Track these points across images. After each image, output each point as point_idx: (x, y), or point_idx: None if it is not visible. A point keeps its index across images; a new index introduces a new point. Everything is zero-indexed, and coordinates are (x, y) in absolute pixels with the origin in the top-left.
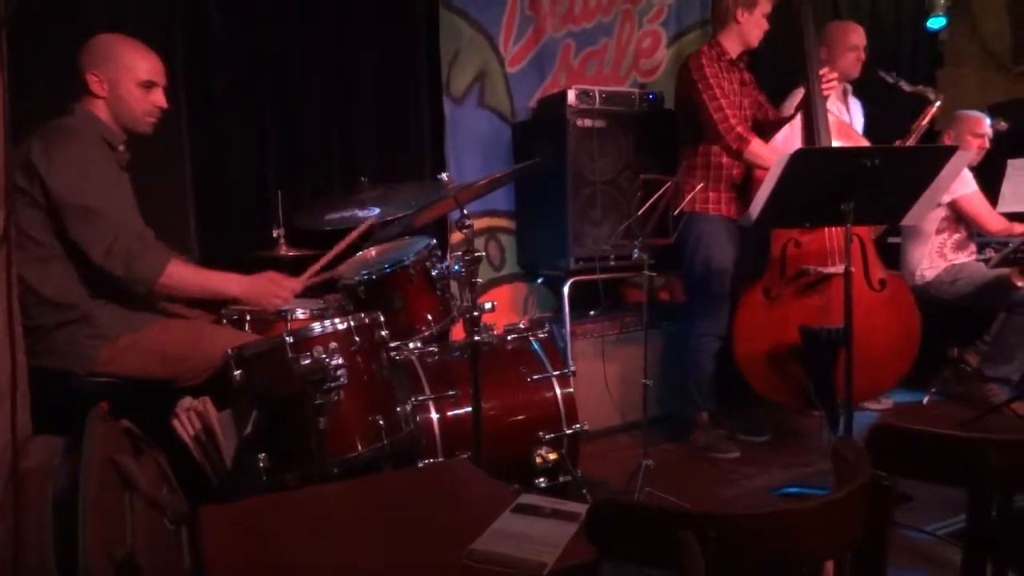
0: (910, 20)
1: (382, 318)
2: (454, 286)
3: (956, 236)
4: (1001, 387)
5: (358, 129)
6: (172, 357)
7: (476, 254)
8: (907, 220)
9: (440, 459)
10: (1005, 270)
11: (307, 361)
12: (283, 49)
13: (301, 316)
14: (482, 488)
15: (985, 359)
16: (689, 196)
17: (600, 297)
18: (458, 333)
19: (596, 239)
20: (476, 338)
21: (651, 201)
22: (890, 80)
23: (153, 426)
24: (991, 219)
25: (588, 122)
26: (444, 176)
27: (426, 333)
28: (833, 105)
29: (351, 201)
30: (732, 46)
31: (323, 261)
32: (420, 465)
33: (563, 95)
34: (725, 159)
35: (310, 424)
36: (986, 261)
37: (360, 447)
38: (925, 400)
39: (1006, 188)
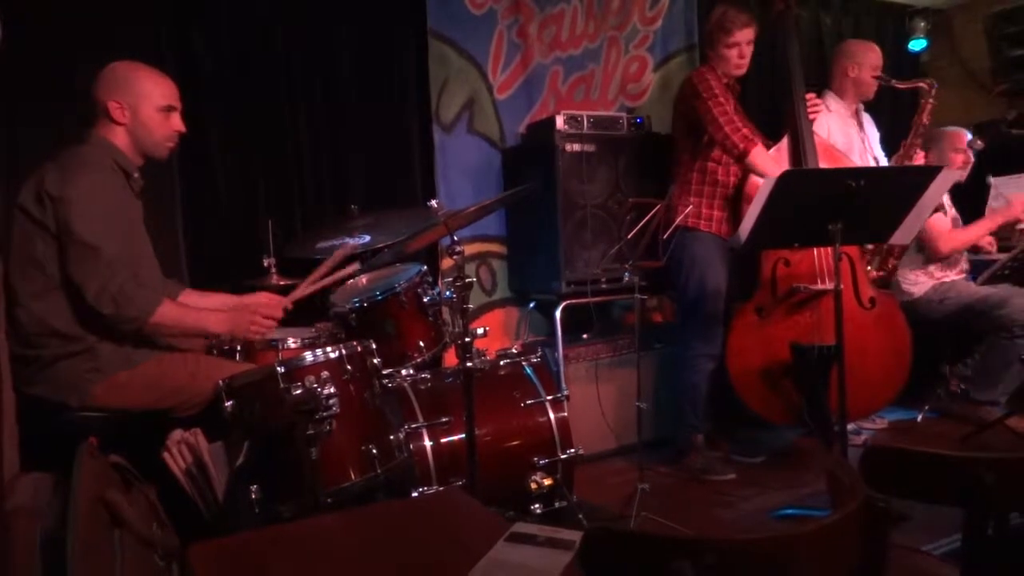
0: (892, 42)
1: (374, 346)
2: (446, 312)
3: None
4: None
5: (348, 157)
6: (167, 390)
7: (467, 280)
8: (895, 239)
9: (434, 487)
10: (993, 288)
11: (299, 391)
12: (272, 77)
13: (292, 345)
14: (476, 517)
15: (969, 384)
16: (682, 214)
17: (592, 320)
18: (451, 359)
19: (587, 262)
20: (469, 364)
21: (641, 224)
22: (882, 82)
23: (144, 459)
24: (942, 240)
25: (577, 146)
26: (434, 203)
27: (418, 360)
28: (850, 127)
29: (342, 229)
30: (722, 72)
31: (305, 287)
32: (414, 494)
33: (552, 120)
34: (721, 175)
35: (302, 455)
36: (975, 279)
37: (353, 477)
38: (919, 418)
39: (994, 205)
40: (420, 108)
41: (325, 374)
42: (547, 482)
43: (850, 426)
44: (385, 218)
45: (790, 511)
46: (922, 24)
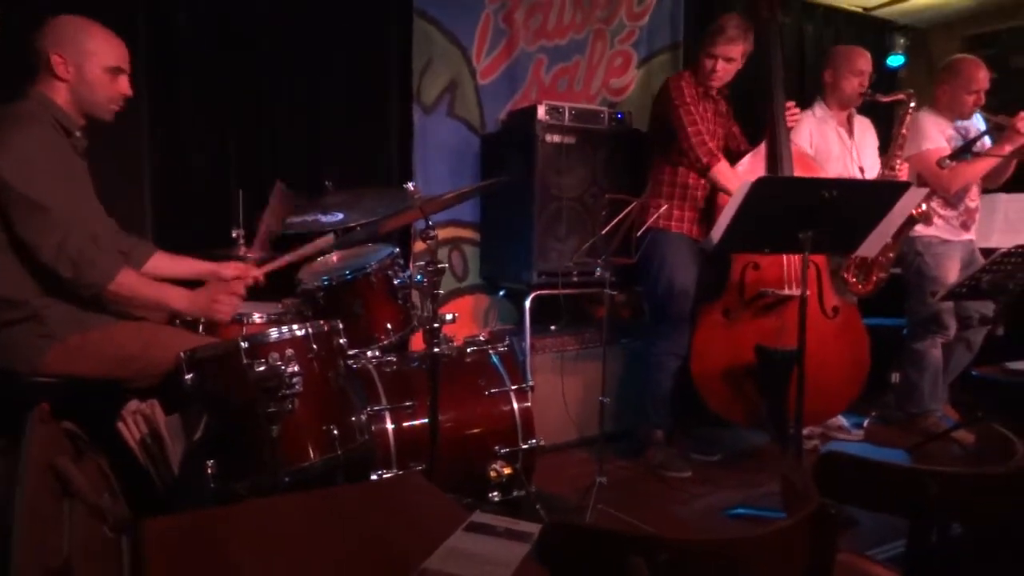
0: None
1: (341, 326)
2: (415, 296)
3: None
4: (940, 417)
5: (325, 132)
6: (123, 358)
7: (439, 266)
8: (861, 251)
9: (394, 470)
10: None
11: (262, 368)
12: (251, 46)
13: (258, 320)
14: (435, 505)
15: (900, 401)
16: (655, 215)
17: (561, 312)
18: (418, 343)
19: (560, 254)
20: (436, 350)
21: (616, 220)
22: (866, 97)
23: (98, 429)
24: (944, 178)
25: (557, 138)
26: (410, 186)
27: (385, 342)
28: (832, 132)
29: (315, 205)
30: (698, 80)
31: (272, 267)
32: (374, 477)
33: (533, 110)
34: (692, 179)
35: (262, 432)
36: (933, 294)
37: (313, 457)
38: (866, 424)
39: (990, 222)
40: (401, 87)
41: (290, 352)
42: (507, 471)
43: (818, 430)
44: (360, 197)
45: (742, 511)
46: (901, 40)
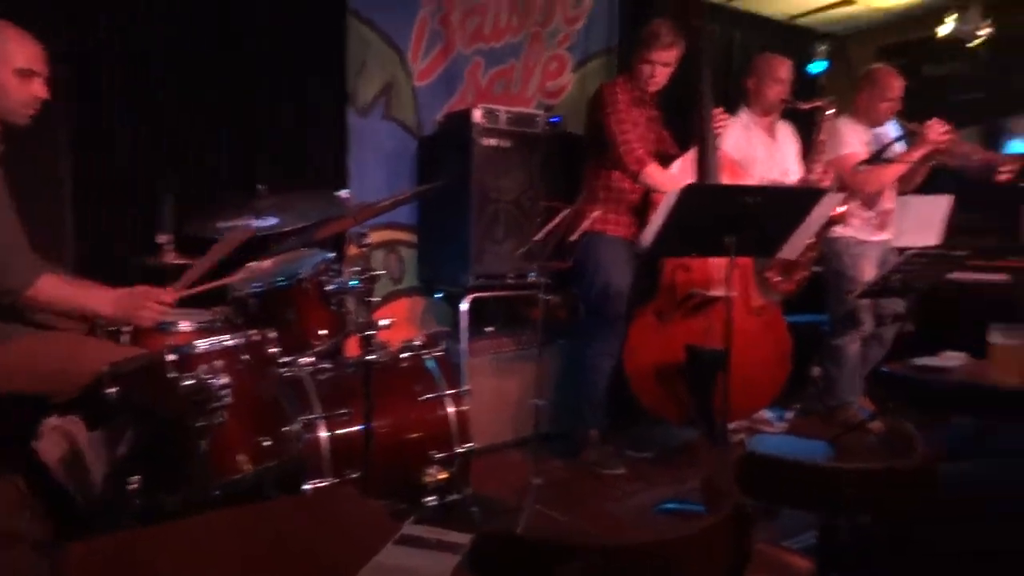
0: (795, 63)
1: (274, 334)
2: (350, 301)
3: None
4: (858, 409)
5: (257, 134)
6: (42, 372)
7: (373, 273)
8: (782, 254)
9: (329, 479)
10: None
11: (190, 381)
12: (179, 45)
13: (185, 329)
14: (366, 517)
15: (821, 394)
16: (589, 219)
17: (498, 314)
18: (353, 349)
19: (497, 257)
20: (370, 357)
21: (550, 226)
22: (787, 104)
23: (16, 447)
24: (859, 178)
25: (493, 141)
26: (343, 193)
27: (319, 348)
28: (756, 138)
29: (247, 209)
30: (639, 84)
31: (197, 271)
32: (306, 487)
33: (469, 113)
34: (627, 183)
35: (190, 446)
36: (850, 292)
37: (244, 469)
38: (789, 416)
39: (903, 223)
40: (336, 89)
41: (219, 363)
42: (443, 476)
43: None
44: (293, 200)
45: (672, 505)
46: (822, 48)
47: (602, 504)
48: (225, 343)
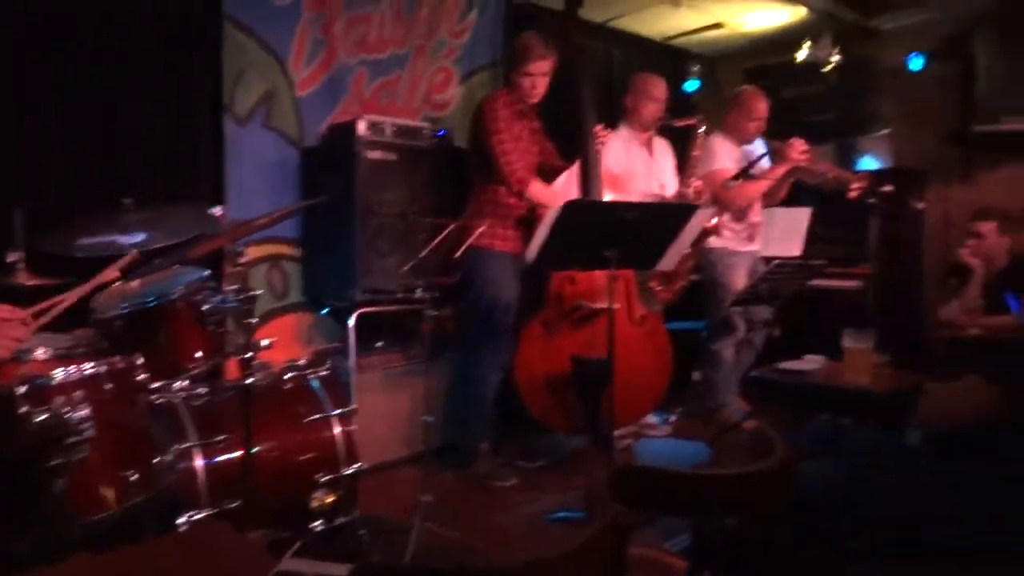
0: (671, 81)
1: (141, 360)
2: (229, 321)
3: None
4: (734, 410)
5: (123, 144)
6: None
7: (251, 293)
8: (660, 266)
9: (206, 511)
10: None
11: (44, 416)
12: (40, 46)
13: (41, 357)
14: (240, 555)
15: (698, 400)
16: (475, 233)
17: (387, 329)
18: (233, 371)
19: (384, 271)
20: (248, 381)
21: (436, 242)
22: (664, 121)
23: None
24: (731, 194)
25: (379, 154)
26: (217, 210)
27: (195, 372)
28: (636, 153)
29: (111, 224)
30: (521, 97)
31: (63, 301)
32: (182, 519)
33: (353, 125)
34: (512, 199)
35: (44, 485)
36: (723, 300)
37: (109, 507)
38: (672, 419)
39: (769, 234)
40: (211, 97)
41: (79, 393)
42: (329, 499)
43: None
44: (164, 215)
45: (562, 514)
46: (695, 68)
47: (493, 516)
48: (86, 371)
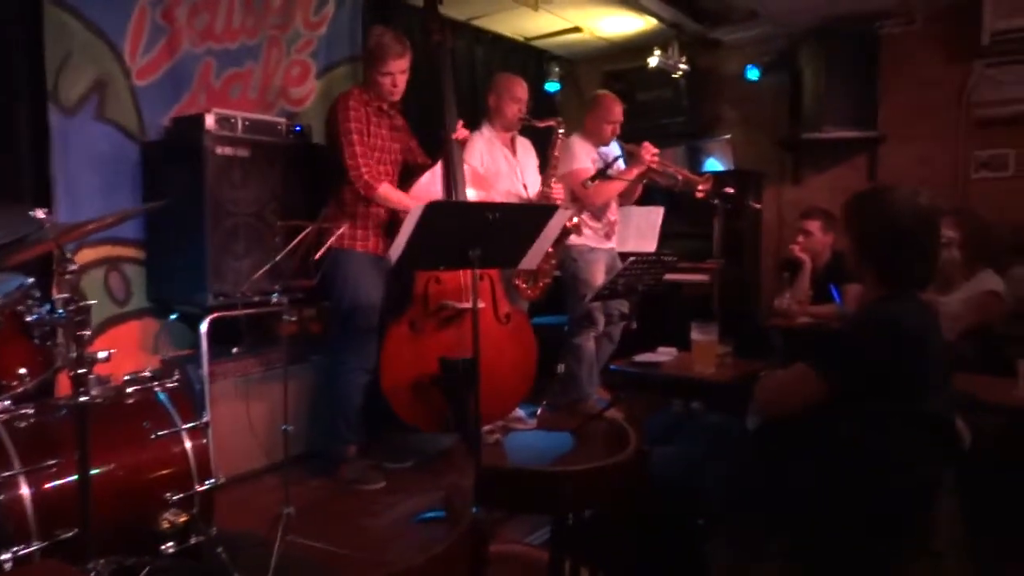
0: (532, 81)
1: None
2: (59, 333)
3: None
4: (596, 400)
5: None
6: None
7: (84, 303)
8: (522, 265)
9: (36, 544)
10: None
11: None
12: None
13: None
14: None
15: (565, 389)
16: (336, 234)
17: (243, 334)
18: (66, 388)
19: (238, 273)
20: (83, 397)
21: (292, 245)
22: (524, 121)
23: None
24: (588, 193)
25: (229, 150)
26: (40, 213)
27: (19, 390)
28: (499, 152)
29: None
30: (381, 95)
31: None
32: (7, 556)
33: (200, 118)
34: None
35: None
36: (583, 296)
37: None
38: (538, 412)
39: (625, 231)
40: (31, 85)
41: None
42: (182, 519)
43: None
44: None
45: (430, 515)
46: (556, 69)
47: (360, 521)
48: None
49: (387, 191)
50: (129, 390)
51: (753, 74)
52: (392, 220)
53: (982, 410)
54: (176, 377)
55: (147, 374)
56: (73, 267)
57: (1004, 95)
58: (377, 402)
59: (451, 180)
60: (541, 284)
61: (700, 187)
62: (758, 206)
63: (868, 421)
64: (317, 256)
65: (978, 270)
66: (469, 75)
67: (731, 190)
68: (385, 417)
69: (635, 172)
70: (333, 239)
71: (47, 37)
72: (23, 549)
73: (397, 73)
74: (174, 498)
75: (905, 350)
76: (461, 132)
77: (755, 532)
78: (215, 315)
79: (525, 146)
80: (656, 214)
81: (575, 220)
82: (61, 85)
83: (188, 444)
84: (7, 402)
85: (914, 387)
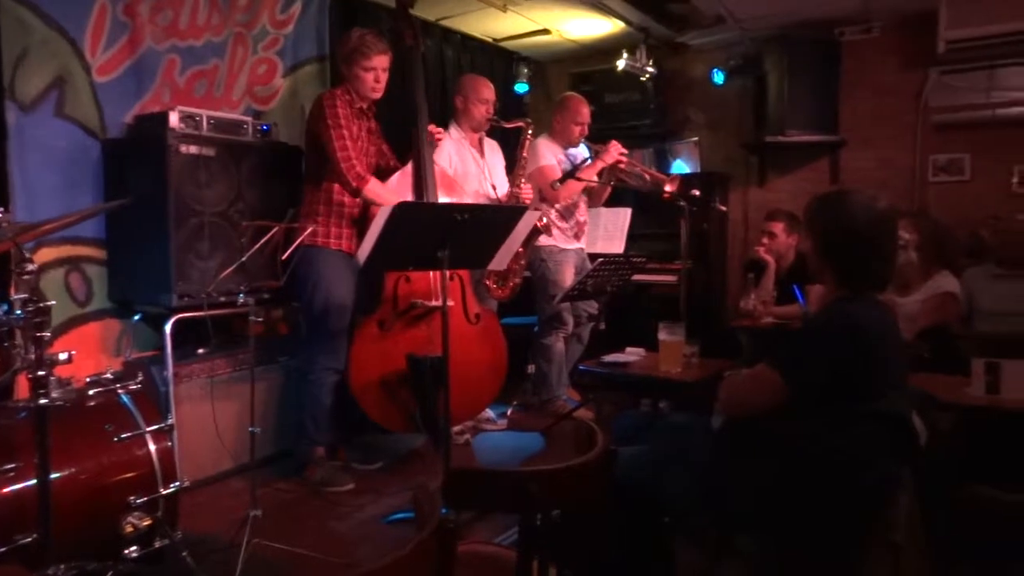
0: (501, 83)
1: None
2: (18, 334)
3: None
4: (566, 400)
5: None
6: None
7: (43, 304)
8: (492, 266)
9: None
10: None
11: None
12: None
13: None
14: None
15: (535, 389)
16: (307, 232)
17: (209, 335)
18: (24, 390)
19: (204, 273)
20: (43, 401)
21: (259, 245)
22: (493, 122)
23: None
24: (553, 190)
25: (194, 149)
26: None
27: None
28: (468, 153)
29: None
30: (357, 96)
31: None
32: None
33: (164, 116)
34: (347, 197)
35: None
36: (553, 296)
37: None
38: (509, 412)
39: (594, 232)
40: None
41: None
42: (145, 522)
43: (470, 424)
44: None
45: (399, 515)
46: (525, 70)
47: (328, 523)
48: None
49: (376, 186)
50: (91, 392)
51: (719, 78)
52: (364, 218)
53: (938, 408)
54: (139, 379)
55: (109, 376)
56: (31, 267)
57: (959, 101)
58: (348, 403)
59: (421, 181)
60: (511, 284)
61: (667, 187)
62: (723, 208)
63: (829, 420)
64: (284, 256)
65: (935, 272)
66: (439, 75)
67: (697, 192)
68: (354, 417)
69: (599, 166)
70: (302, 238)
71: (3, 32)
72: None
73: (380, 69)
74: (138, 501)
75: (864, 350)
76: (437, 133)
77: (720, 530)
78: (179, 316)
79: (492, 147)
80: (624, 215)
81: (544, 220)
82: (18, 81)
83: (152, 447)
84: None
85: (873, 386)
